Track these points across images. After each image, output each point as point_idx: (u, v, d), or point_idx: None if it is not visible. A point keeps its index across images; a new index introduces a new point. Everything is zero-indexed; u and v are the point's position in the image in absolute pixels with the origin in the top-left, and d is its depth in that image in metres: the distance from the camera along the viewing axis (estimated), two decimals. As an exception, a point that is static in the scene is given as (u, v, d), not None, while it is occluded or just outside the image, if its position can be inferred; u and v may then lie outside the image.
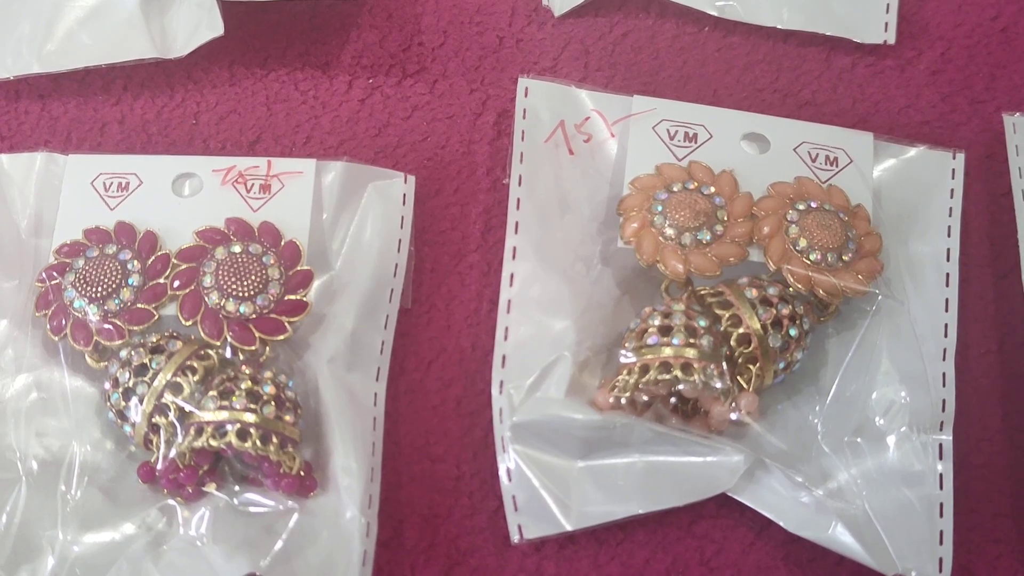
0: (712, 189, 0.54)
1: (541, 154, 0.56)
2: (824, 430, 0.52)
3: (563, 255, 0.55)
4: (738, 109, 0.58)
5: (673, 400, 0.51)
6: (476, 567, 0.52)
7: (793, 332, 0.52)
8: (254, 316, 0.52)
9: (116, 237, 0.53)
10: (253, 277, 0.52)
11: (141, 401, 0.50)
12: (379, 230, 0.56)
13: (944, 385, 0.52)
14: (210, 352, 0.51)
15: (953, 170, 0.57)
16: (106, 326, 0.51)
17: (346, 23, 0.63)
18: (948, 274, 0.55)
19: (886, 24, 0.62)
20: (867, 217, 0.55)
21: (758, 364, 0.52)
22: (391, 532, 0.52)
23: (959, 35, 0.63)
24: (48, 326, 0.52)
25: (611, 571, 0.51)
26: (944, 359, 0.53)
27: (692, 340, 0.51)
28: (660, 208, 0.54)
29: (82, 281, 0.52)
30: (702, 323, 0.51)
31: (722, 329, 0.52)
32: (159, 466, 0.50)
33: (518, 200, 0.55)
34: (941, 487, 0.51)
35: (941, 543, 0.50)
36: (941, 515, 0.50)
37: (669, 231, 0.53)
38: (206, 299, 0.52)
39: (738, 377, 0.52)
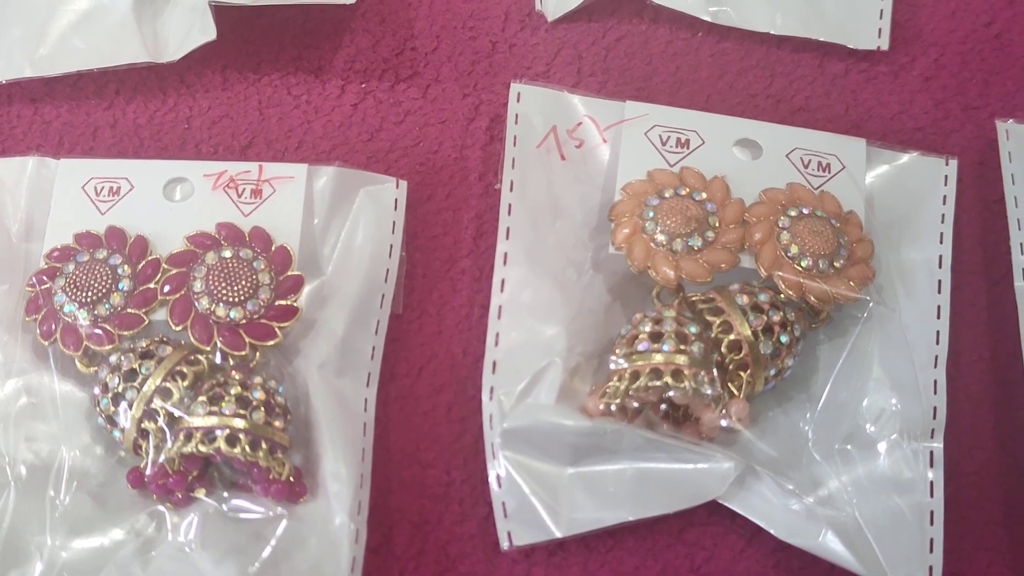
0: (704, 195, 0.54)
1: (533, 159, 0.56)
2: (815, 437, 0.52)
3: (554, 261, 0.55)
4: (731, 115, 0.58)
5: (663, 407, 0.51)
6: (466, 573, 0.52)
7: (784, 339, 0.52)
8: (244, 321, 0.52)
9: (107, 242, 0.53)
10: (243, 282, 0.52)
11: (130, 406, 0.50)
12: (370, 235, 0.56)
13: (935, 392, 0.52)
14: (200, 357, 0.51)
15: (946, 176, 0.57)
16: (96, 331, 0.51)
17: (339, 28, 0.63)
18: (940, 281, 0.55)
19: (879, 30, 0.62)
20: (859, 223, 0.55)
21: (749, 371, 0.51)
22: (380, 538, 0.52)
23: (952, 41, 0.63)
24: (38, 331, 0.52)
25: (601, 578, 0.52)
26: (935, 366, 0.53)
27: (683, 346, 0.50)
28: (651, 214, 0.53)
29: (72, 286, 0.52)
30: (693, 329, 0.51)
31: (713, 335, 0.52)
32: (148, 471, 0.50)
33: (510, 205, 0.55)
34: (932, 495, 0.51)
35: (932, 551, 0.50)
36: (932, 523, 0.50)
37: (660, 237, 0.53)
38: (196, 304, 0.52)
39: (729, 384, 0.52)
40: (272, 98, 0.61)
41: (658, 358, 0.50)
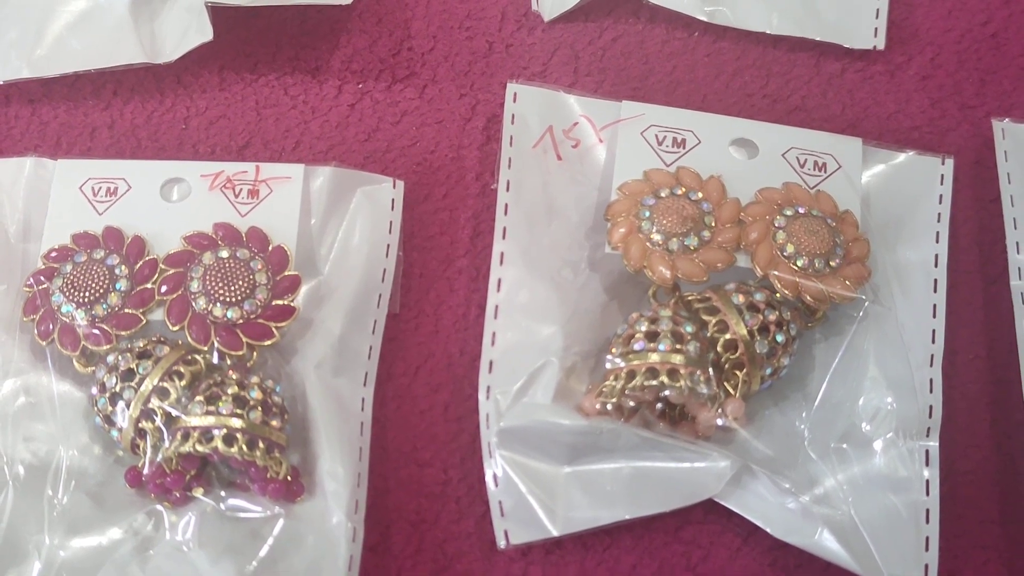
0: (700, 195, 0.54)
1: (529, 159, 0.56)
2: (811, 436, 0.52)
3: (551, 260, 0.55)
4: (727, 114, 0.58)
5: (660, 406, 0.51)
6: (463, 572, 0.52)
7: (780, 338, 0.52)
8: (241, 321, 0.52)
9: (104, 242, 0.53)
10: (240, 282, 0.52)
11: (128, 406, 0.50)
12: (367, 235, 0.56)
13: (931, 391, 0.52)
14: (197, 357, 0.51)
15: (942, 175, 0.57)
16: (93, 331, 0.51)
17: (336, 28, 0.63)
18: (936, 280, 0.55)
19: (876, 29, 0.62)
20: (855, 223, 0.55)
21: (745, 370, 0.52)
22: (378, 537, 0.52)
23: (949, 40, 0.63)
24: (36, 331, 0.52)
25: (598, 577, 0.52)
26: (931, 365, 0.53)
27: (679, 346, 0.51)
28: (648, 214, 0.54)
29: (70, 286, 0.52)
30: (689, 329, 0.51)
31: (709, 335, 0.52)
32: (146, 471, 0.50)
33: (506, 205, 0.55)
34: (927, 493, 0.51)
35: (927, 549, 0.50)
36: (927, 521, 0.50)
37: (656, 236, 0.53)
38: (193, 304, 0.52)
39: (725, 383, 0.52)
40: (269, 98, 0.61)
41: (654, 357, 0.50)
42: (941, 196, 0.57)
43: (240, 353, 0.51)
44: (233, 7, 0.59)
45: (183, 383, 0.50)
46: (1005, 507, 0.53)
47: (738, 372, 0.52)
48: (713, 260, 0.53)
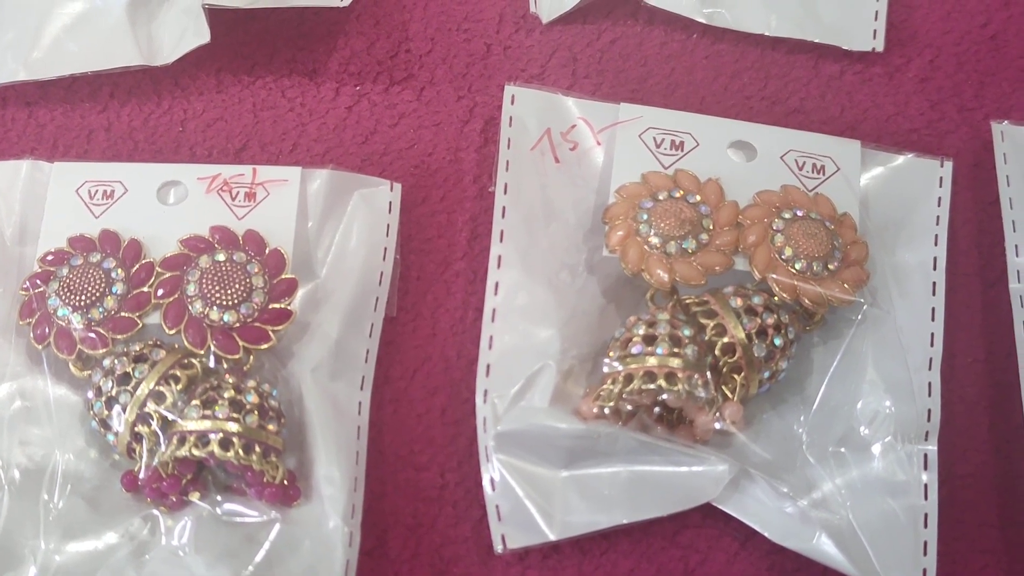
0: (698, 197, 0.54)
1: (527, 162, 0.56)
2: (809, 440, 0.52)
3: (548, 264, 0.55)
4: (726, 116, 0.58)
5: (657, 410, 0.51)
6: (460, 577, 0.52)
7: (778, 341, 0.51)
8: (238, 325, 0.52)
9: (100, 245, 0.53)
10: (237, 286, 0.52)
11: (124, 410, 0.50)
12: (365, 238, 0.56)
13: (930, 395, 0.52)
14: (193, 361, 0.51)
15: (941, 178, 0.57)
16: (90, 335, 0.51)
17: (333, 30, 0.63)
18: (935, 283, 0.55)
19: (874, 31, 0.62)
20: (853, 226, 0.54)
21: (743, 374, 0.51)
22: (375, 541, 0.52)
23: (948, 42, 0.63)
24: (32, 334, 0.52)
25: (595, 581, 0.51)
26: (930, 368, 0.53)
27: (676, 349, 0.50)
28: (645, 217, 0.53)
29: (66, 289, 0.52)
30: (687, 332, 0.51)
31: (707, 338, 0.52)
32: (142, 475, 0.50)
33: (503, 208, 0.55)
34: (926, 497, 0.50)
35: (925, 554, 0.50)
36: (926, 526, 0.50)
37: (654, 240, 0.53)
38: (190, 308, 0.52)
39: (723, 387, 0.52)
40: (266, 101, 0.61)
41: (652, 361, 0.50)
42: (940, 199, 0.57)
43: (237, 357, 0.51)
44: (230, 9, 0.59)
45: (179, 387, 0.50)
46: (1004, 511, 0.53)
47: (736, 376, 0.52)
48: (711, 263, 0.53)
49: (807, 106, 0.61)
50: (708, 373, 0.51)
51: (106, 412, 0.50)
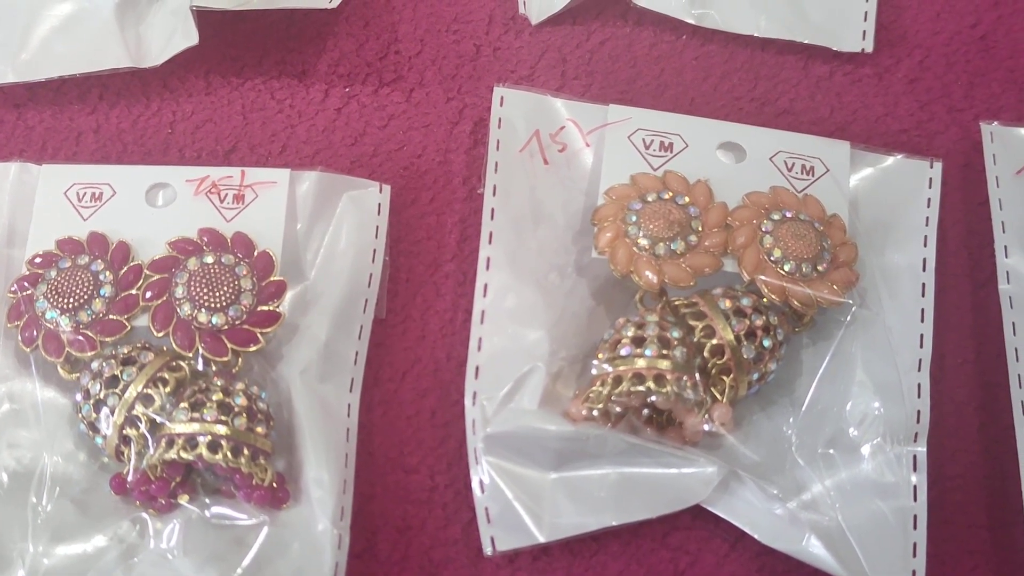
0: (687, 199, 0.54)
1: (516, 164, 0.56)
2: (798, 441, 0.52)
3: (537, 265, 0.54)
4: (715, 118, 0.58)
5: (646, 411, 0.51)
6: (449, 579, 0.52)
7: (767, 343, 0.51)
8: (226, 327, 0.51)
9: (88, 248, 0.53)
10: (225, 288, 0.52)
11: (112, 412, 0.50)
12: (354, 240, 0.55)
13: (919, 396, 0.52)
14: (182, 364, 0.51)
15: (930, 179, 0.57)
16: (78, 337, 0.51)
17: (322, 32, 0.63)
18: (924, 284, 0.55)
19: (864, 32, 0.62)
20: (843, 227, 0.54)
21: (732, 375, 0.51)
22: (364, 544, 0.52)
23: (937, 43, 0.63)
24: (20, 337, 0.52)
25: (585, 583, 0.51)
26: (919, 370, 0.53)
27: (665, 351, 0.50)
28: (634, 218, 0.53)
29: (54, 292, 0.52)
30: (675, 334, 0.51)
31: (696, 340, 0.52)
32: (131, 478, 0.49)
33: (492, 210, 0.55)
34: (915, 499, 0.51)
35: (915, 555, 0.50)
36: (915, 527, 0.50)
37: (643, 241, 0.53)
38: (178, 310, 0.52)
39: (712, 388, 0.52)
40: (255, 103, 0.61)
41: (641, 363, 0.50)
42: (929, 200, 0.57)
43: (225, 359, 0.51)
44: (219, 11, 0.59)
45: (168, 390, 0.50)
46: (993, 512, 0.53)
47: (725, 377, 0.52)
48: (700, 265, 0.53)
49: (796, 107, 0.61)
50: (697, 375, 0.51)
51: (94, 415, 0.50)
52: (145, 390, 0.50)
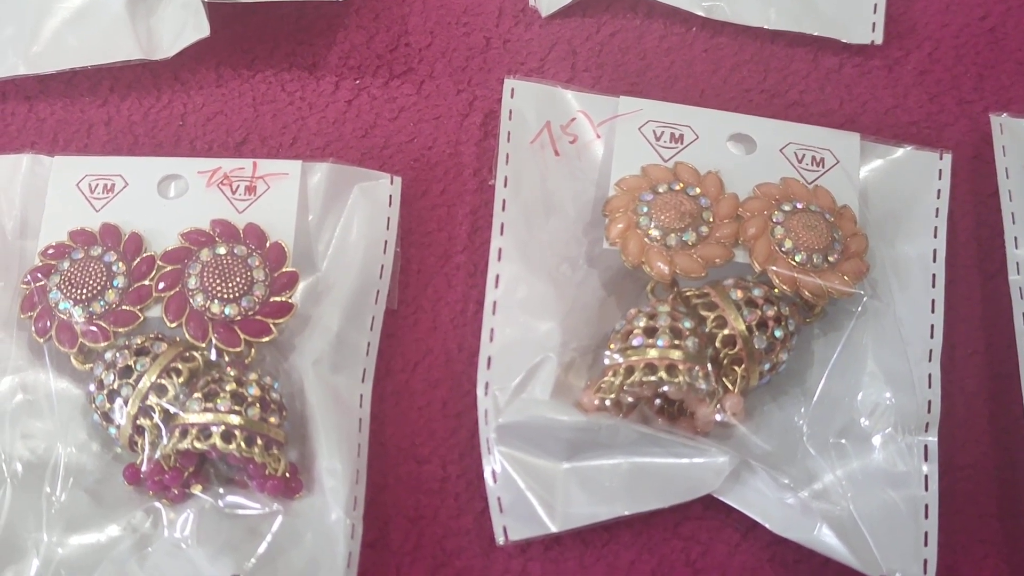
0: (698, 190, 0.54)
1: (527, 155, 0.56)
2: (809, 431, 0.52)
3: (548, 256, 0.55)
4: (725, 110, 0.58)
5: (658, 402, 0.51)
6: (462, 569, 0.52)
7: (778, 333, 0.52)
8: (239, 318, 0.52)
9: (101, 239, 0.53)
10: (238, 279, 0.52)
11: (126, 403, 0.50)
12: (365, 231, 0.56)
13: (930, 386, 0.52)
14: (195, 354, 0.51)
15: (940, 171, 0.57)
16: (91, 328, 0.51)
17: (333, 24, 0.63)
18: (934, 275, 0.55)
19: (873, 24, 0.62)
20: (853, 218, 0.55)
21: (743, 365, 0.52)
22: (376, 534, 0.52)
23: (947, 35, 0.63)
24: (33, 328, 0.52)
25: (597, 572, 0.51)
26: (930, 360, 0.53)
27: (677, 341, 0.51)
28: (646, 209, 0.54)
29: (67, 283, 0.52)
30: (687, 324, 0.51)
31: (707, 330, 0.52)
32: (144, 468, 0.50)
33: (504, 201, 0.55)
34: (926, 488, 0.51)
35: (926, 544, 0.50)
36: (926, 516, 0.50)
37: (654, 232, 0.53)
38: (191, 301, 0.52)
39: (723, 378, 0.52)
40: (266, 95, 0.61)
41: (653, 353, 0.50)
42: (939, 191, 0.57)
43: (238, 350, 0.51)
44: (230, 3, 0.59)
45: (181, 380, 0.50)
46: (1004, 502, 0.53)
47: (736, 368, 0.52)
48: (711, 256, 0.53)
49: (806, 99, 0.61)
50: (709, 365, 0.51)
51: (108, 405, 0.50)
52: (159, 380, 0.50)
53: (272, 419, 0.50)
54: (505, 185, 0.56)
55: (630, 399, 0.51)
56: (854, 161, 0.56)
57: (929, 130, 0.61)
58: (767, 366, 0.52)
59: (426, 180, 0.59)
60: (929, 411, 0.52)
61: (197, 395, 0.50)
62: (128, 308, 0.52)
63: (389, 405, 0.54)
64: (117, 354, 0.51)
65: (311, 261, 0.55)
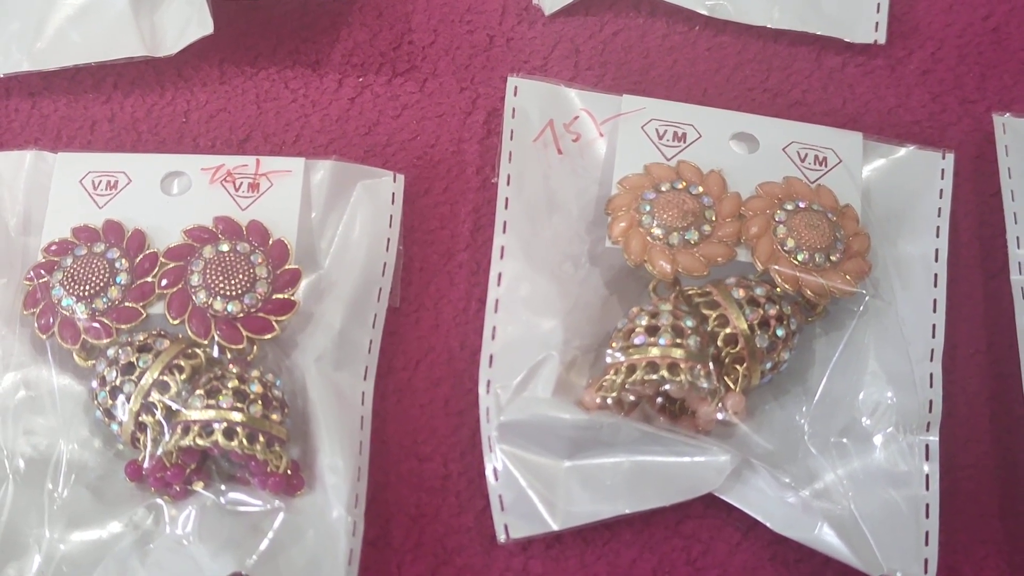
0: (700, 189, 0.54)
1: (530, 153, 0.56)
2: (811, 430, 0.52)
3: (551, 254, 0.55)
4: (728, 109, 0.58)
5: (660, 400, 0.51)
6: (463, 566, 0.52)
7: (780, 332, 0.52)
8: (242, 315, 0.52)
9: (104, 235, 0.53)
10: (241, 276, 0.52)
11: (128, 399, 0.50)
12: (368, 229, 0.56)
13: (931, 386, 0.52)
14: (197, 351, 0.51)
15: (942, 170, 0.57)
16: (94, 324, 0.51)
17: (336, 21, 0.63)
18: (936, 274, 0.55)
19: (876, 24, 0.62)
20: (855, 217, 0.55)
21: (745, 364, 0.52)
22: (378, 531, 0.52)
23: (950, 35, 0.63)
24: (36, 324, 0.52)
25: (598, 571, 0.52)
26: (932, 360, 0.53)
27: (679, 340, 0.51)
28: (648, 208, 0.54)
29: (70, 279, 0.52)
30: (689, 323, 0.51)
31: (709, 329, 0.52)
32: (146, 464, 0.50)
33: (506, 199, 0.55)
34: (927, 488, 0.51)
35: (927, 544, 0.50)
36: (927, 516, 0.50)
37: (657, 231, 0.53)
38: (194, 298, 0.52)
39: (725, 377, 0.52)
40: (269, 92, 0.61)
41: (654, 352, 0.50)
42: (941, 191, 0.57)
43: (240, 347, 0.51)
44: (233, 0, 0.59)
45: (183, 377, 0.50)
46: (1005, 502, 0.53)
47: (738, 366, 0.52)
48: (713, 254, 0.53)
49: (809, 98, 0.61)
50: (710, 364, 0.51)
51: (110, 401, 0.50)
52: (161, 377, 0.50)
53: (274, 416, 0.50)
54: (508, 183, 0.56)
55: (632, 397, 0.51)
56: (857, 160, 0.56)
57: (932, 130, 0.61)
58: (769, 365, 0.52)
59: (429, 178, 0.59)
60: (930, 411, 0.52)
61: (199, 392, 0.50)
62: (131, 305, 0.52)
63: (391, 402, 0.54)
64: (120, 351, 0.51)
65: (314, 258, 0.55)
